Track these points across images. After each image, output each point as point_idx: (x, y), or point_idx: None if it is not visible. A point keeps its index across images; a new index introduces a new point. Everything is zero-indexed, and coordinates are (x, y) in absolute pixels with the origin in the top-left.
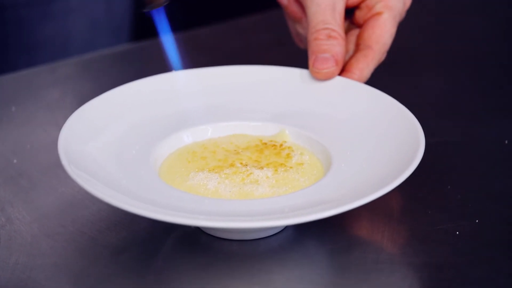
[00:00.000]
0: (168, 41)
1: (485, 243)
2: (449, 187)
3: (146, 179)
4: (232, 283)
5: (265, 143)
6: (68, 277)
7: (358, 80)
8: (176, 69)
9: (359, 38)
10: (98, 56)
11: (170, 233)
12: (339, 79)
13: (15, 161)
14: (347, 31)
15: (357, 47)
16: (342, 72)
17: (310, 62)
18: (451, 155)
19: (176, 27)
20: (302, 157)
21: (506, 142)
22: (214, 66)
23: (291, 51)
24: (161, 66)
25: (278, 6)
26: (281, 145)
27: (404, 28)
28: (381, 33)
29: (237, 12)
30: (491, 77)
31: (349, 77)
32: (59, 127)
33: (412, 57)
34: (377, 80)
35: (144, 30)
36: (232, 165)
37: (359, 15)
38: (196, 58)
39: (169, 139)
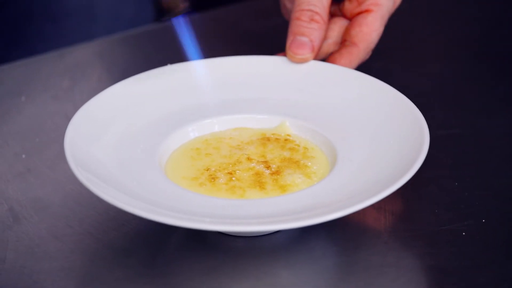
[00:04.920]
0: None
1: (491, 245)
2: (456, 184)
3: (154, 181)
4: (237, 279)
5: (268, 137)
6: (74, 281)
7: None
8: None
9: (346, 33)
10: (109, 41)
11: (175, 231)
12: (340, 69)
13: (23, 156)
14: (333, 15)
15: (343, 43)
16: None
17: (288, 43)
18: (458, 149)
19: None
20: (308, 152)
21: None
22: (224, 50)
23: None
24: (167, 52)
25: None
26: (285, 139)
27: (411, 15)
28: (368, 32)
29: None
30: (498, 67)
31: None
32: (68, 118)
33: (416, 45)
34: (381, 67)
35: None
36: (238, 162)
37: (348, 7)
38: (207, 41)
39: (172, 135)
